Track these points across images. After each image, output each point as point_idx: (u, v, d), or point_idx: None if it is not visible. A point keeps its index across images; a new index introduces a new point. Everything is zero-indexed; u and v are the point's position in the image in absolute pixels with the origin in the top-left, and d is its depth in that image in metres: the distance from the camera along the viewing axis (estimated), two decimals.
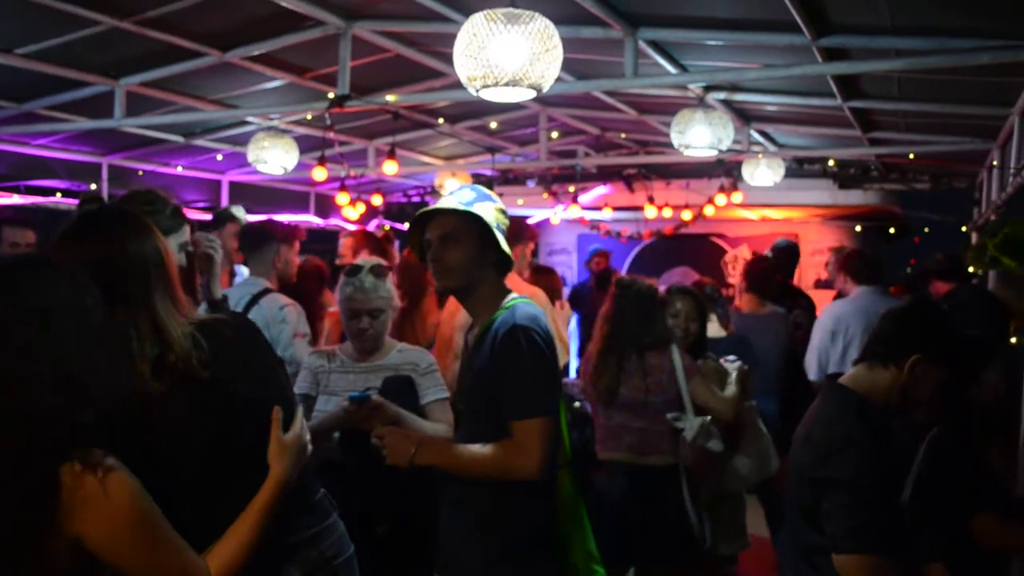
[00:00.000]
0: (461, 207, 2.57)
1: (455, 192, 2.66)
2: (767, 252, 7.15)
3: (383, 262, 3.55)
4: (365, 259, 3.57)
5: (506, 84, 3.47)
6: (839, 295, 6.38)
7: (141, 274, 2.08)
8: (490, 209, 2.61)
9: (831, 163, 9.46)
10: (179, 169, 9.11)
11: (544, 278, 5.91)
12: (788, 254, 7.27)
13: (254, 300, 4.21)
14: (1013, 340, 4.30)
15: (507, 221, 2.66)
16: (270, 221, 4.70)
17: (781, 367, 5.85)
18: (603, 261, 9.88)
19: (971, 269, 5.47)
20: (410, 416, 3.16)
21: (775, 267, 6.44)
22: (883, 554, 2.32)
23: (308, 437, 2.18)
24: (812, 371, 5.77)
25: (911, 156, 8.19)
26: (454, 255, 2.57)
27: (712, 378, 4.41)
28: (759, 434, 4.55)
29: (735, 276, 6.62)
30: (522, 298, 2.64)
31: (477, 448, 2.53)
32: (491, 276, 2.65)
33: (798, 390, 6.07)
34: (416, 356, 3.47)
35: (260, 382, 2.19)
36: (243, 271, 4.58)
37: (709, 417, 4.11)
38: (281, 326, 4.12)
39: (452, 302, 5.16)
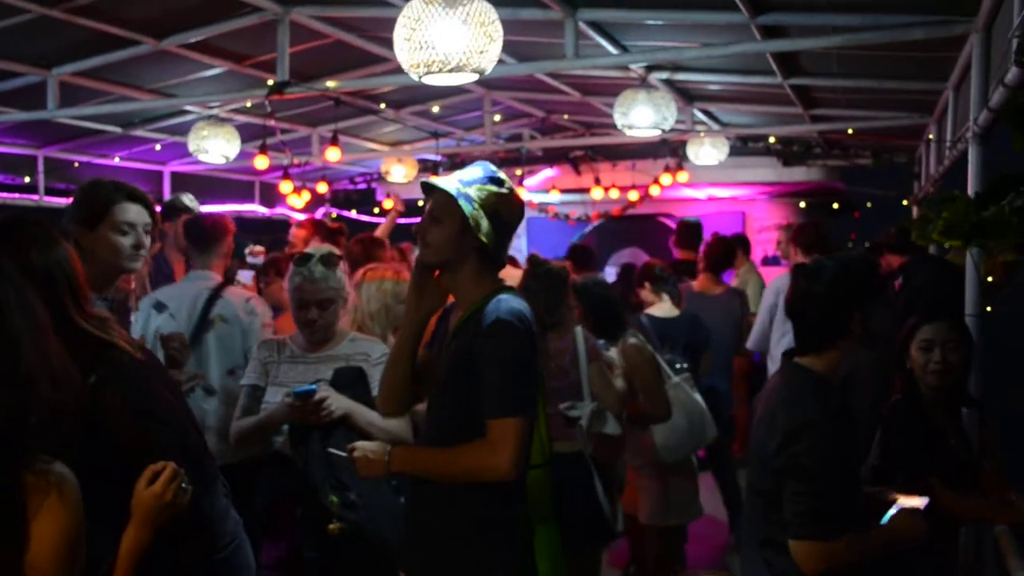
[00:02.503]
0: (448, 188, 2.48)
1: (469, 167, 2.58)
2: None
3: (335, 250, 3.45)
4: (315, 247, 3.49)
5: (450, 70, 3.45)
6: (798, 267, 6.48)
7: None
8: (482, 194, 2.48)
9: (772, 140, 9.57)
10: (117, 160, 8.93)
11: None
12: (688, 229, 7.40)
13: (215, 294, 4.18)
14: (988, 309, 4.31)
15: (505, 208, 2.51)
16: (216, 215, 4.70)
17: (732, 345, 5.94)
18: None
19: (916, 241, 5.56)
20: (360, 409, 3.09)
21: (729, 248, 6.51)
22: (837, 540, 2.35)
23: (174, 497, 2.05)
24: (751, 342, 5.94)
25: (850, 131, 8.31)
26: (434, 233, 2.50)
27: (636, 359, 4.37)
28: (690, 406, 4.53)
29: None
30: (510, 289, 2.57)
31: (450, 451, 2.48)
32: (472, 260, 2.52)
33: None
34: (368, 346, 3.37)
35: (141, 423, 2.18)
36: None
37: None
38: (251, 317, 4.18)
39: None
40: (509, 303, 2.47)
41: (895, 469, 2.98)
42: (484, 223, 2.47)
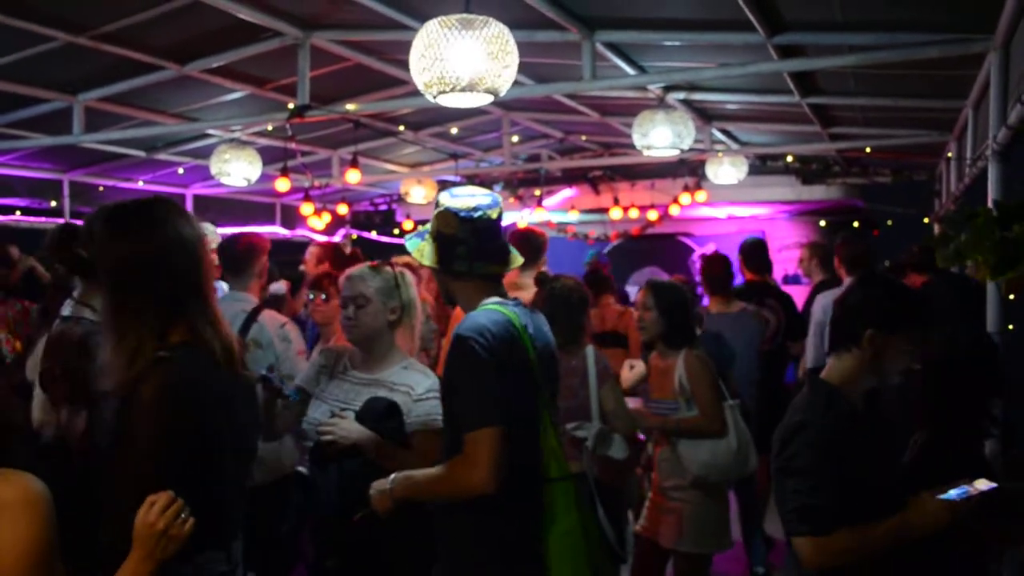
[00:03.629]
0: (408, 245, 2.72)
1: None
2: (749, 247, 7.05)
3: (406, 272, 3.34)
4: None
5: (462, 89, 3.48)
6: (819, 287, 6.42)
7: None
8: (430, 225, 2.67)
9: (790, 159, 9.55)
10: (141, 184, 9.04)
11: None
12: (753, 250, 7.17)
13: (251, 318, 4.17)
14: (1011, 327, 4.28)
15: (440, 224, 2.62)
16: (250, 235, 4.68)
17: (753, 367, 5.77)
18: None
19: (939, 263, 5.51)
20: (374, 441, 2.96)
21: (728, 265, 6.39)
22: (831, 534, 2.39)
23: (166, 527, 1.96)
24: (809, 360, 5.82)
25: (868, 150, 8.29)
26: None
27: (699, 370, 4.26)
28: (740, 431, 4.33)
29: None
30: (491, 304, 2.61)
31: (431, 470, 2.56)
32: (461, 286, 2.68)
33: (772, 388, 6.09)
34: (415, 379, 3.15)
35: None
36: (223, 286, 4.57)
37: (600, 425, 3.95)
38: (285, 344, 4.17)
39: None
40: (474, 319, 2.54)
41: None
42: (427, 249, 2.66)
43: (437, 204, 2.65)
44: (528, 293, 4.85)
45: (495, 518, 2.52)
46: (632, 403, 4.44)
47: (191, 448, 2.08)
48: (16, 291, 5.53)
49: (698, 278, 6.78)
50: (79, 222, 3.48)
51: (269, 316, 4.26)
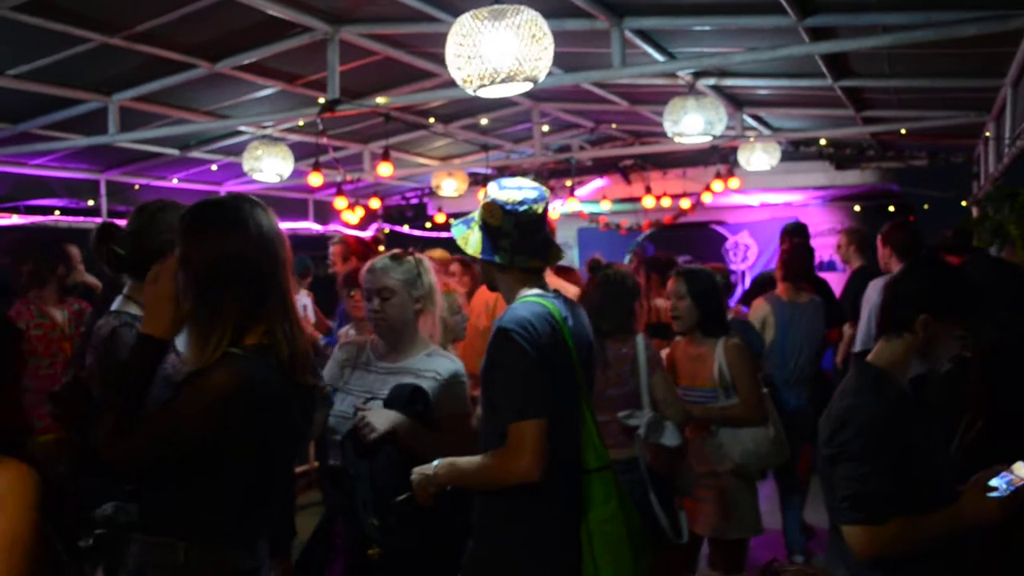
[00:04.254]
0: (453, 231, 2.77)
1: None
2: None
3: (424, 258, 3.34)
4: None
5: (502, 80, 3.47)
6: (858, 273, 6.33)
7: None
8: (477, 214, 2.70)
9: (823, 143, 9.44)
10: (175, 182, 9.14)
11: (568, 276, 5.86)
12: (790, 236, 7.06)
13: None
14: None
15: (486, 215, 2.66)
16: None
17: (813, 357, 5.74)
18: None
19: (977, 244, 5.44)
20: (406, 424, 2.97)
21: (810, 255, 6.27)
22: (884, 524, 2.34)
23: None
24: (857, 343, 5.66)
25: (903, 131, 8.18)
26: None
27: (741, 360, 4.27)
28: (776, 420, 4.36)
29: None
30: (531, 296, 2.64)
31: (477, 458, 2.60)
32: (503, 277, 2.72)
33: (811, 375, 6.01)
34: (441, 364, 3.17)
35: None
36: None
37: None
38: None
39: (482, 293, 5.16)
40: (515, 311, 2.58)
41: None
42: (473, 238, 2.70)
43: (486, 194, 2.69)
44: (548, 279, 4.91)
45: (533, 505, 2.56)
46: None
47: (233, 445, 2.11)
48: (75, 291, 5.62)
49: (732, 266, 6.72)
50: (118, 221, 3.53)
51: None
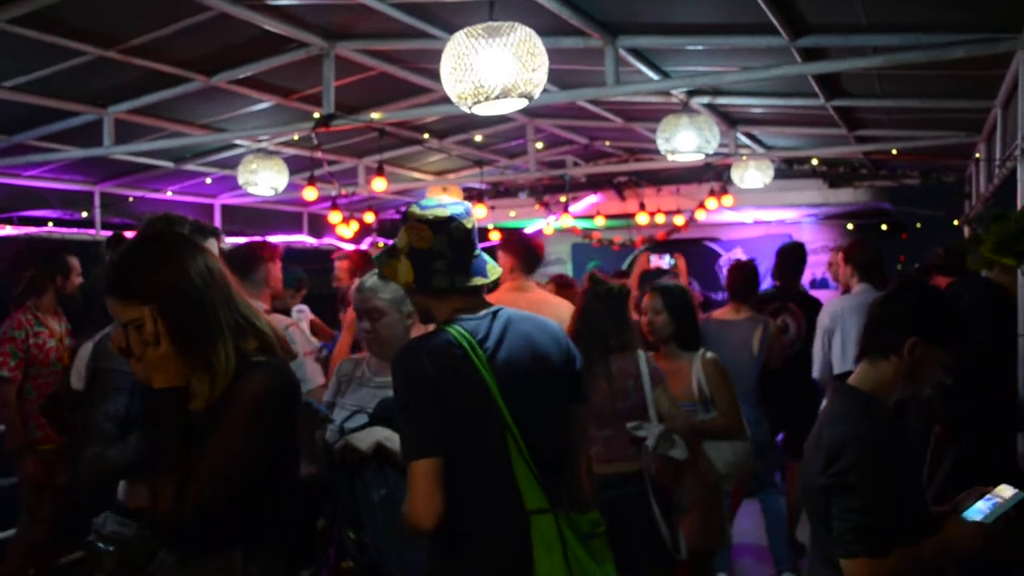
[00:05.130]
0: (376, 264, 2.59)
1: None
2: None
3: None
4: None
5: (497, 97, 3.49)
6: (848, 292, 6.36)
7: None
8: (396, 243, 2.51)
9: (816, 162, 9.50)
10: (169, 194, 9.14)
11: (567, 291, 5.88)
12: (781, 255, 7.06)
13: None
14: None
15: (412, 237, 2.45)
16: (253, 242, 4.72)
17: (752, 374, 5.63)
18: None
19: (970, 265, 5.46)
20: (394, 439, 2.82)
21: (755, 273, 6.32)
22: (887, 556, 2.31)
23: None
24: (815, 370, 5.72)
25: (894, 152, 8.23)
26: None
27: (719, 374, 4.43)
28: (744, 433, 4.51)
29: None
30: (446, 324, 2.46)
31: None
32: (441, 305, 2.50)
33: (798, 392, 6.02)
34: None
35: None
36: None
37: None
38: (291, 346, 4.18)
39: None
40: (409, 343, 2.47)
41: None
42: (402, 268, 2.45)
43: (405, 219, 2.49)
44: (532, 295, 4.93)
45: (473, 556, 2.36)
46: None
47: (279, 445, 2.19)
48: (73, 301, 5.63)
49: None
50: (110, 234, 3.57)
51: (274, 319, 4.29)
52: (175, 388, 2.12)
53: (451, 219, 2.44)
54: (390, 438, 2.88)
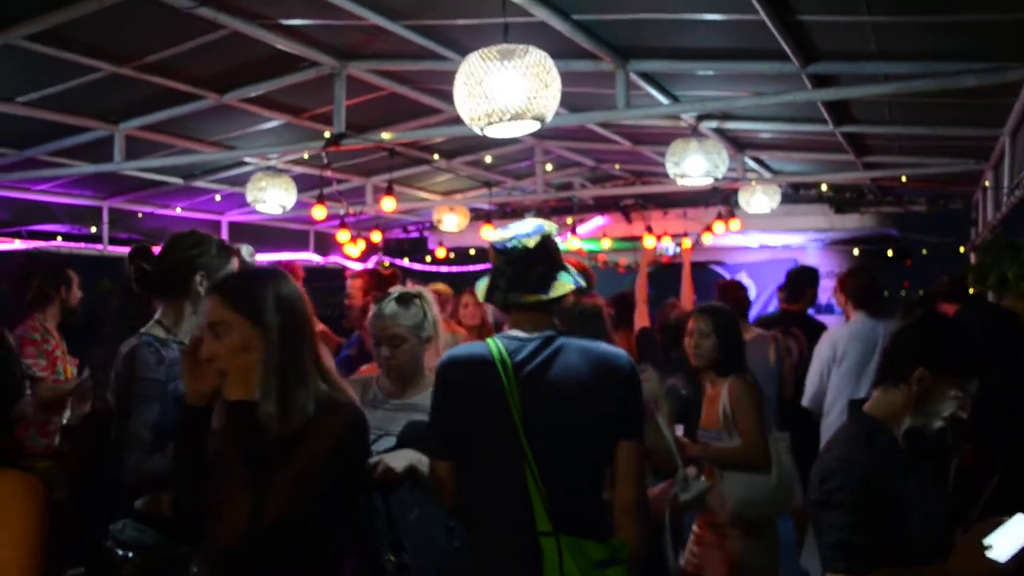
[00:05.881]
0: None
1: None
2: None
3: (424, 291, 3.36)
4: (401, 288, 3.41)
5: (510, 119, 3.50)
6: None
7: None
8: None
9: (824, 187, 9.52)
10: (178, 211, 9.17)
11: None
12: (789, 279, 7.01)
13: None
14: None
15: (494, 257, 2.68)
16: (285, 264, 4.79)
17: (775, 395, 5.62)
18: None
19: (972, 290, 5.45)
20: (425, 463, 2.84)
21: (745, 292, 6.32)
22: (868, 574, 2.32)
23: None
24: (806, 398, 5.62)
25: (903, 179, 8.24)
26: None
27: (744, 398, 4.10)
28: (783, 465, 4.17)
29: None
30: (493, 338, 2.66)
31: None
32: (509, 319, 2.72)
33: (800, 416, 5.98)
34: None
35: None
36: None
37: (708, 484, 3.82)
38: None
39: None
40: (453, 350, 2.69)
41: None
42: (480, 285, 2.71)
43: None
44: None
45: (488, 565, 2.53)
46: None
47: (349, 485, 2.29)
48: (74, 316, 5.64)
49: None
50: (124, 249, 3.61)
51: None
52: (248, 402, 2.18)
53: (512, 239, 2.59)
54: (422, 461, 2.88)
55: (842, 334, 5.59)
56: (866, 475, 2.39)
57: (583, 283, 2.67)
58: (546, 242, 2.60)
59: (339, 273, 10.56)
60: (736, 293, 6.05)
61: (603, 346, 2.62)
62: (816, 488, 2.47)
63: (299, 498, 2.12)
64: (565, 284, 2.59)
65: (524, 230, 2.60)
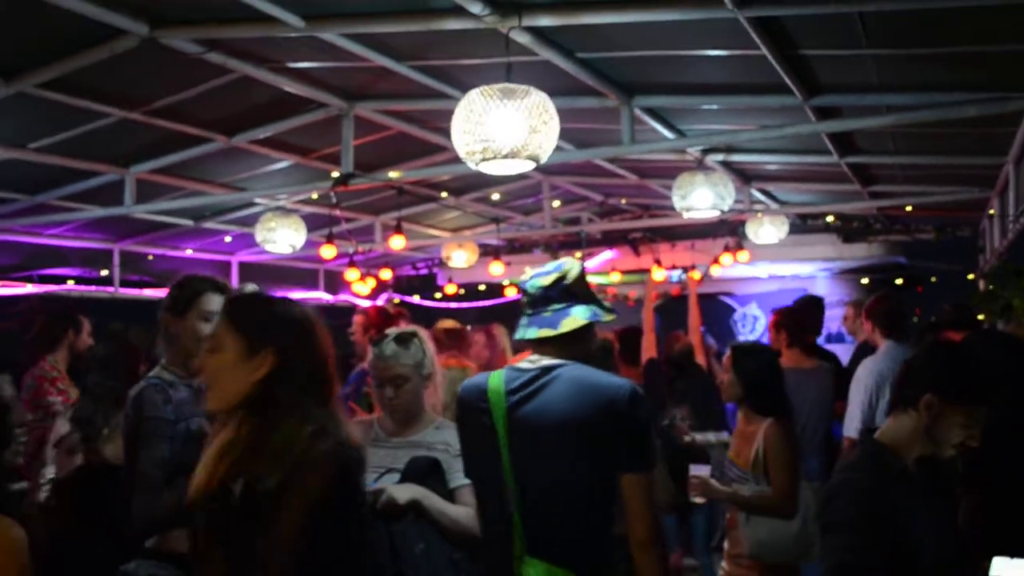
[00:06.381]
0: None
1: None
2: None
3: (418, 330, 3.37)
4: (397, 328, 3.42)
5: (504, 157, 3.54)
6: (864, 346, 6.32)
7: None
8: None
9: (831, 218, 9.54)
10: (189, 252, 9.24)
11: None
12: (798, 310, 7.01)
13: None
14: None
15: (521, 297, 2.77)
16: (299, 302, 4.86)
17: (824, 424, 5.62)
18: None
19: (980, 317, 5.44)
20: (430, 498, 2.95)
21: (808, 314, 6.20)
22: None
23: None
24: (852, 429, 5.55)
25: (909, 208, 8.25)
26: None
27: (780, 446, 3.99)
28: (808, 513, 4.06)
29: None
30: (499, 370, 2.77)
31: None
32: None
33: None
34: (452, 436, 3.08)
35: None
36: None
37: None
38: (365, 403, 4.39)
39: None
40: (468, 380, 2.81)
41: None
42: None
43: None
44: None
45: None
46: (698, 469, 4.23)
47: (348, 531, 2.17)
48: (82, 358, 5.66)
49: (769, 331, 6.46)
50: (132, 291, 3.64)
51: None
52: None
53: (532, 277, 2.69)
54: (428, 496, 2.92)
55: (884, 363, 5.45)
56: (867, 497, 2.38)
57: (604, 317, 2.65)
58: (561, 279, 2.63)
59: (349, 311, 10.59)
60: (796, 315, 5.84)
61: (602, 377, 2.57)
62: (822, 511, 2.48)
63: (290, 562, 2.04)
64: (576, 319, 2.60)
65: (544, 269, 2.69)
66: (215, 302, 2.96)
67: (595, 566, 2.51)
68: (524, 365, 2.63)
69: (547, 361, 2.61)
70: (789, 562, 4.06)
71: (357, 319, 6.37)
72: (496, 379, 2.62)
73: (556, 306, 2.62)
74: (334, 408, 2.27)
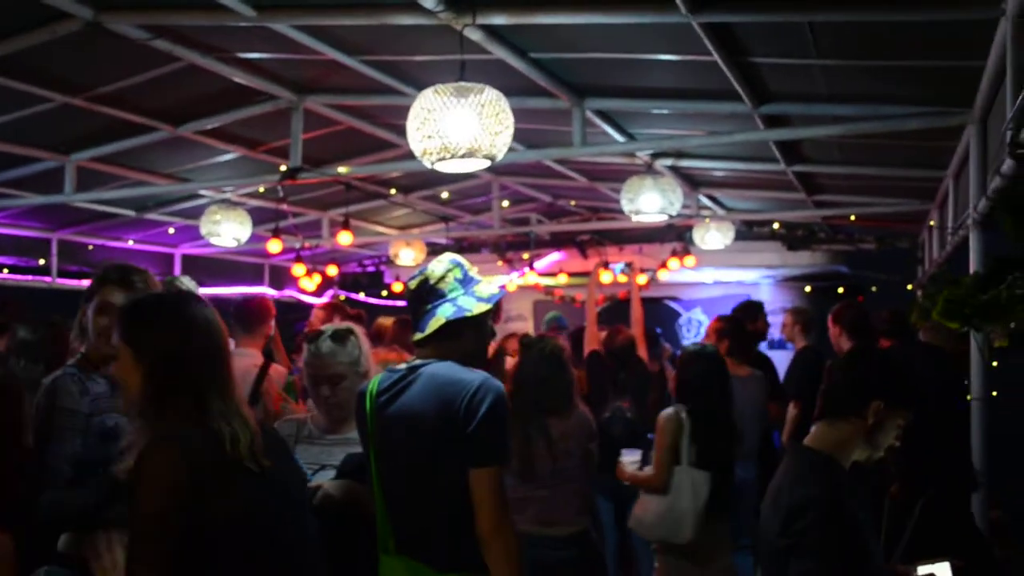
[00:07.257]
0: None
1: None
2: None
3: (353, 327, 3.33)
4: (330, 325, 3.39)
5: (460, 156, 3.52)
6: (803, 352, 6.44)
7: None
8: None
9: (776, 225, 9.68)
10: (130, 243, 9.06)
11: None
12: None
13: (264, 371, 4.21)
14: (994, 393, 4.32)
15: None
16: (262, 297, 5.11)
17: (758, 430, 5.74)
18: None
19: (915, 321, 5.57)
20: (363, 491, 2.89)
21: (750, 328, 6.37)
22: None
23: None
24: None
25: (852, 218, 8.40)
26: None
27: (661, 429, 4.47)
28: (684, 499, 4.35)
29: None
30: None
31: None
32: None
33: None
34: None
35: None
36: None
37: None
38: (292, 393, 4.49)
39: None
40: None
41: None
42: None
43: None
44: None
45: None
46: (629, 454, 4.71)
47: (185, 527, 2.09)
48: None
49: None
50: (72, 281, 3.55)
51: (276, 370, 4.48)
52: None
53: (410, 280, 2.77)
54: (363, 491, 2.89)
55: None
56: (834, 514, 2.37)
57: (470, 311, 2.64)
58: (426, 281, 2.69)
59: (294, 307, 10.47)
60: (738, 323, 6.13)
61: (457, 373, 2.58)
62: (779, 533, 2.40)
63: (149, 561, 2.07)
64: (439, 319, 2.64)
65: (413, 273, 2.76)
66: (115, 296, 2.87)
67: (458, 561, 2.54)
68: (399, 366, 2.71)
69: (417, 361, 2.68)
70: (661, 540, 4.42)
71: (317, 314, 6.32)
72: (374, 381, 2.72)
73: (426, 307, 2.69)
74: (233, 404, 2.24)
